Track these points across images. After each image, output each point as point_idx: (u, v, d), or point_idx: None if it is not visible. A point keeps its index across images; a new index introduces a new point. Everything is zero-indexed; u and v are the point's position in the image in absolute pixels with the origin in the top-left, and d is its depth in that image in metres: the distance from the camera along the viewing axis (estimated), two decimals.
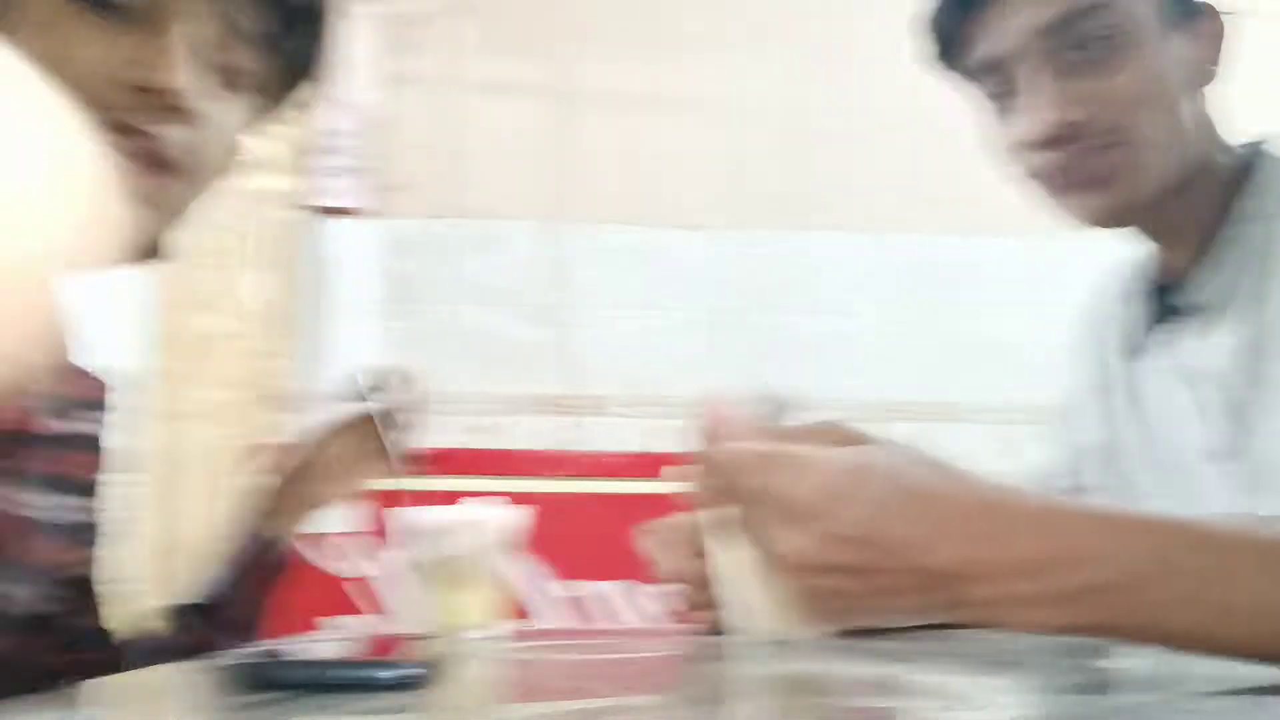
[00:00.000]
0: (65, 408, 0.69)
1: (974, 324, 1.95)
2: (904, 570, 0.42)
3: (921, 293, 1.97)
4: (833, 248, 1.98)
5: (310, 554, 0.85)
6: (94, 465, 0.73)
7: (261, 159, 1.25)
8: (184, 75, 0.59)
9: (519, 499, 0.88)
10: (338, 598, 1.64)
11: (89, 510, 0.72)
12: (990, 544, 0.42)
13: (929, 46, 0.80)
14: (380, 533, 1.60)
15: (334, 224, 1.92)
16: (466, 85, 1.98)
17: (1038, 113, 0.74)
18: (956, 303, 1.96)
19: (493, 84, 1.99)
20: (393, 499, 0.84)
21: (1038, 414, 1.01)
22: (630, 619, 1.68)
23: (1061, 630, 0.42)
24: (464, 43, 1.99)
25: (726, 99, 2.00)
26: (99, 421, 0.73)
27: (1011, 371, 1.88)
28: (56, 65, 0.56)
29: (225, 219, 1.77)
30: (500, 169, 1.97)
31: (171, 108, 0.59)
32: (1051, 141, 0.74)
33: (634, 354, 1.92)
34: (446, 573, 0.81)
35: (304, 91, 0.69)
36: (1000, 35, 0.75)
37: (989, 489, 0.44)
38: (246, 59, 0.63)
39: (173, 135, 0.59)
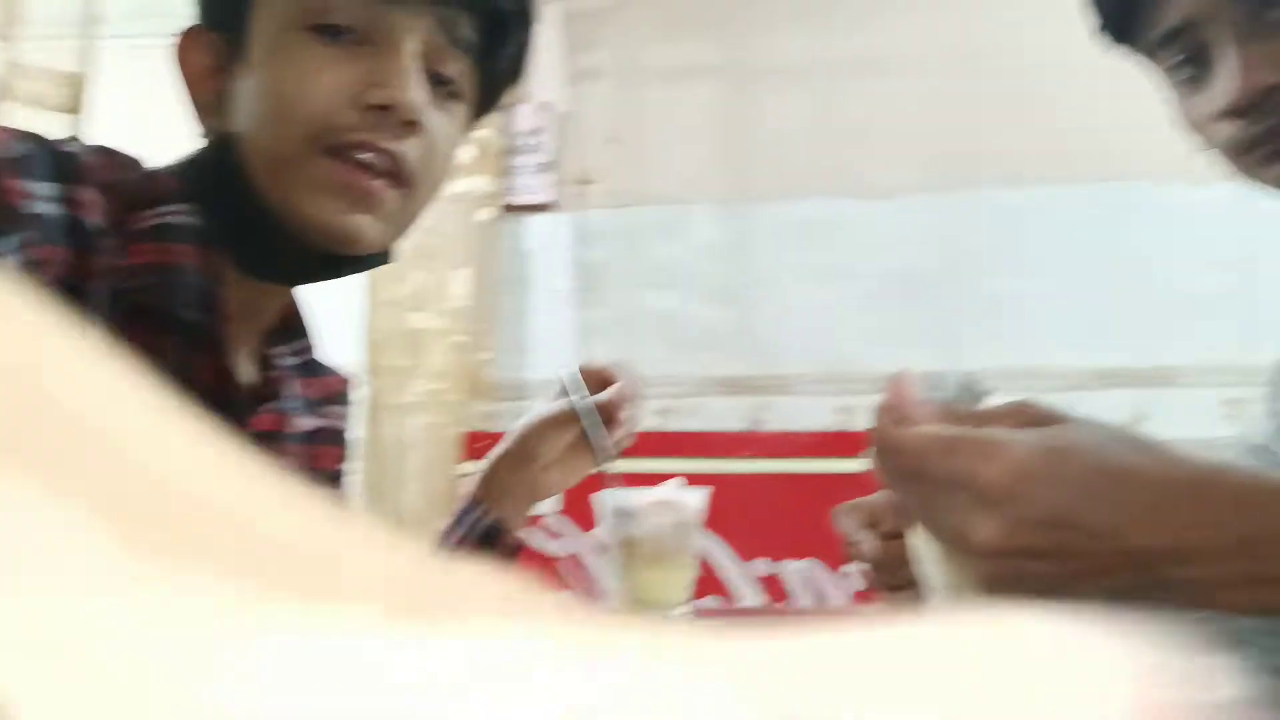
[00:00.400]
0: (314, 404, 0.75)
1: (1189, 278, 1.79)
2: (1103, 553, 0.41)
3: (1128, 247, 1.84)
4: (1030, 204, 1.85)
5: (523, 535, 0.89)
6: (339, 457, 0.78)
7: (462, 162, 1.31)
8: (417, 91, 0.61)
9: (710, 480, 0.90)
10: (547, 576, 1.73)
11: (335, 499, 0.79)
12: (1197, 524, 0.41)
13: (1098, 18, 0.74)
14: (584, 514, 1.68)
15: (527, 220, 2.01)
16: (646, 73, 2.01)
17: (1229, 79, 0.67)
18: (1169, 256, 1.81)
19: (671, 69, 2.01)
20: (595, 482, 0.88)
21: (1265, 375, 0.94)
22: (822, 598, 1.68)
23: (1272, 612, 0.41)
24: (641, 32, 2.02)
25: (905, 60, 1.93)
26: (343, 416, 0.78)
27: (1234, 329, 1.73)
28: (297, 94, 0.61)
29: (429, 221, 1.89)
30: (683, 153, 1.99)
31: (407, 123, 0.61)
32: (1244, 109, 0.67)
33: (823, 330, 1.89)
34: (647, 552, 0.85)
35: (508, 96, 0.71)
36: None
37: (1194, 466, 0.43)
38: (463, 70, 0.65)
39: (409, 149, 0.62)
